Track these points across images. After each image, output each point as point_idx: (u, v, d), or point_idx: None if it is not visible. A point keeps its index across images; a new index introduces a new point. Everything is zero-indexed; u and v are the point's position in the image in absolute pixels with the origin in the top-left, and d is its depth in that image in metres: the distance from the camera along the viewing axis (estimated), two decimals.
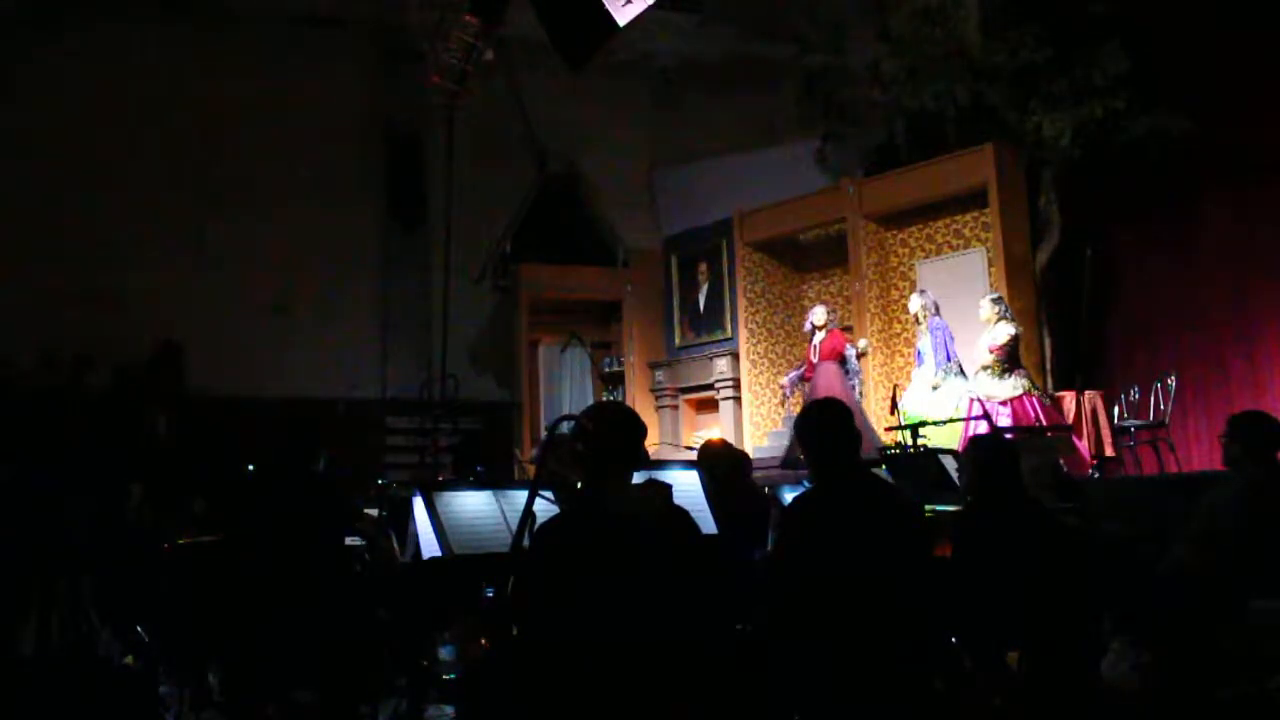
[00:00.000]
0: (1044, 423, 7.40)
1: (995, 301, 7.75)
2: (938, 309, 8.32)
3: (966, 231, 9.24)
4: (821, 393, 8.56)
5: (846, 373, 8.86)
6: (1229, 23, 8.28)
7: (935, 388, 8.04)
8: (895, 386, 8.27)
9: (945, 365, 8.10)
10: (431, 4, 10.25)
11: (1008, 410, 7.44)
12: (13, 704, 3.80)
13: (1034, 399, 7.54)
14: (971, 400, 7.60)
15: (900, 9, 9.20)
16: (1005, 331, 7.58)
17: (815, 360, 8.89)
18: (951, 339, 8.18)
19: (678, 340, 11.55)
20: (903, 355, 9.42)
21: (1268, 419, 4.39)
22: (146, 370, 9.69)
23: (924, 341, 8.31)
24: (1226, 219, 8.42)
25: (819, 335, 8.93)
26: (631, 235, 11.84)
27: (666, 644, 2.72)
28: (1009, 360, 7.59)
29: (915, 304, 8.41)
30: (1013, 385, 7.53)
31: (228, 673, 4.50)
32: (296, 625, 4.12)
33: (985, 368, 7.66)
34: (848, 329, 9.53)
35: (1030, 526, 3.79)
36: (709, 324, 11.26)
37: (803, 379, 9.15)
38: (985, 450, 4.12)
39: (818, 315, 9.01)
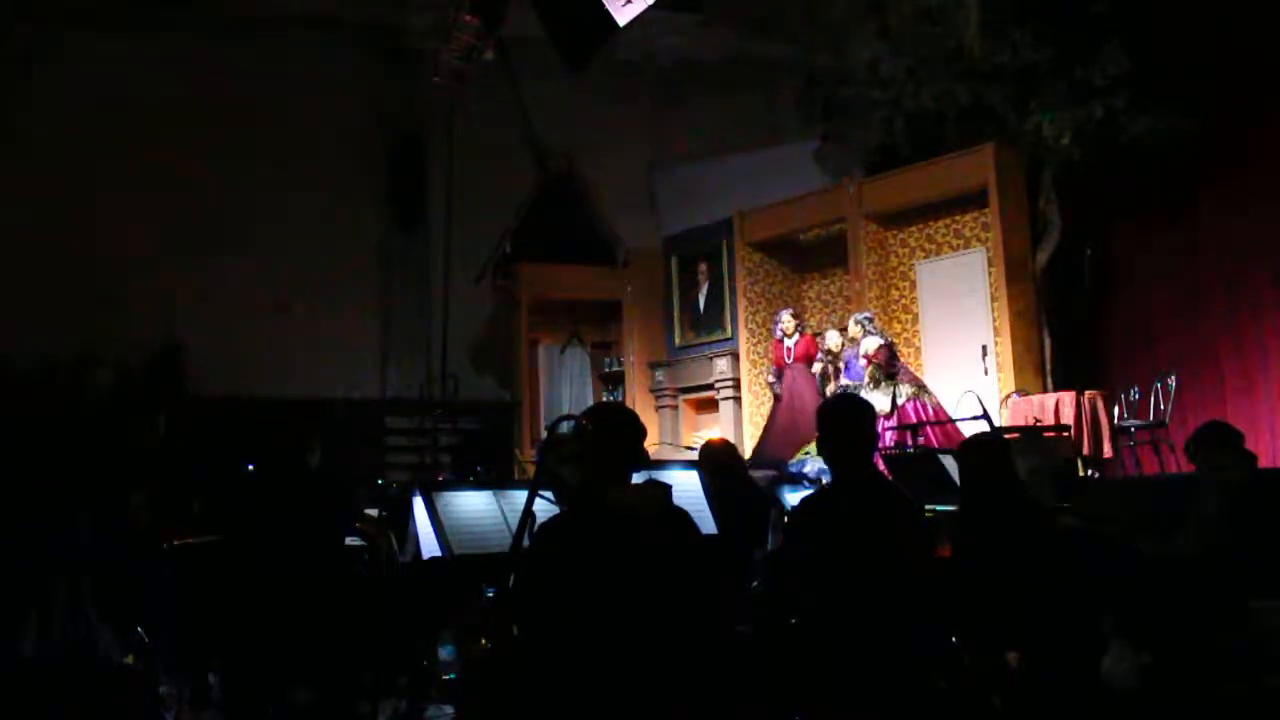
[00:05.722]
0: (931, 419, 7.77)
1: (858, 322, 8.37)
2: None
3: (966, 231, 9.23)
4: (794, 396, 9.13)
5: (813, 376, 9.20)
6: (1229, 23, 8.28)
7: None
8: (894, 387, 8.27)
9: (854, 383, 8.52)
10: (431, 4, 10.27)
11: (892, 423, 7.74)
12: (13, 704, 3.80)
13: (920, 403, 7.88)
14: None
15: (900, 9, 9.19)
16: (873, 342, 8.07)
17: (789, 363, 9.27)
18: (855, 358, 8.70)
19: (678, 340, 11.54)
20: (902, 355, 9.41)
21: (1226, 427, 4.49)
22: (147, 370, 9.69)
23: (851, 371, 8.65)
24: (1226, 219, 8.41)
25: (790, 340, 9.31)
26: (631, 235, 11.83)
27: (666, 644, 2.72)
28: (886, 370, 7.96)
29: (834, 340, 8.90)
30: (893, 395, 7.87)
31: (228, 672, 4.50)
32: (296, 625, 4.12)
33: (866, 385, 8.04)
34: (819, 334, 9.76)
35: (1029, 526, 3.79)
36: (709, 324, 11.24)
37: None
38: (974, 450, 4.12)
39: (787, 322, 9.40)
